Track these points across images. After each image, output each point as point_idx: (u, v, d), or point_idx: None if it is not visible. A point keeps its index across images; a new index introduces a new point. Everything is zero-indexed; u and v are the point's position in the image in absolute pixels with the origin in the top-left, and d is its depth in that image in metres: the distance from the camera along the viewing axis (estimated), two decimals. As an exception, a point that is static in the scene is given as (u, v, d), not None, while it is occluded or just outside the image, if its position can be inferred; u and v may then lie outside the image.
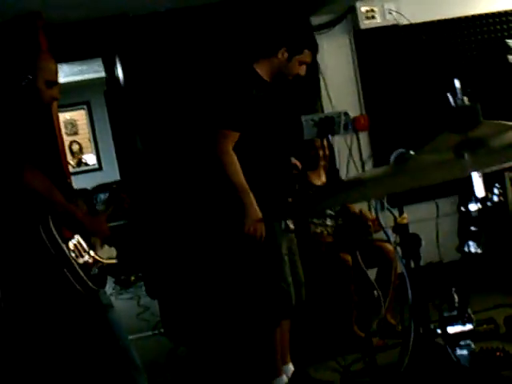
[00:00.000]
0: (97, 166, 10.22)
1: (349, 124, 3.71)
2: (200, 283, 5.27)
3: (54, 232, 3.12)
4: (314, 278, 4.35)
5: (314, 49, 3.93)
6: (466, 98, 2.39)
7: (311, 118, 3.53)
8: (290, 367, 4.09)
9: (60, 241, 3.13)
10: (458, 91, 2.43)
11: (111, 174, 9.24)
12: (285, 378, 3.99)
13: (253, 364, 4.13)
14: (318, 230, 4.78)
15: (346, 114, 3.69)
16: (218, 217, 3.96)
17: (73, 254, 3.17)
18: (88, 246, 3.32)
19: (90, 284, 3.20)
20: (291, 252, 3.94)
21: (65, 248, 3.14)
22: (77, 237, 3.26)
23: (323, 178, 4.93)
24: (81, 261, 3.21)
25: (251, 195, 3.63)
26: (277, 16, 5.23)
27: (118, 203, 3.59)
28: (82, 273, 3.17)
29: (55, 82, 3.38)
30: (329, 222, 4.82)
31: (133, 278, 7.91)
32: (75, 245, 3.22)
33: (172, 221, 5.42)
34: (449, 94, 2.41)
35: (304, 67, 3.88)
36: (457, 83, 2.42)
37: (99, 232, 3.39)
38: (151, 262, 5.83)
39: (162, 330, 5.76)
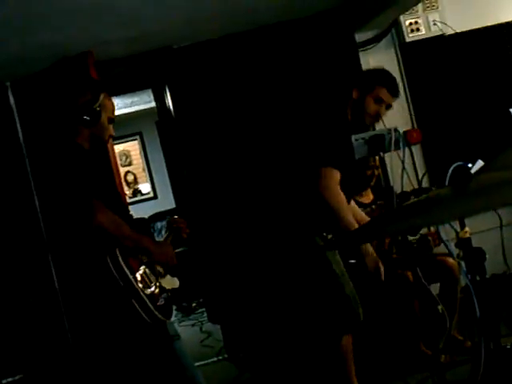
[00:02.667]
0: (152, 195, 10.32)
1: (399, 140, 3.64)
2: (262, 306, 5.27)
3: (122, 263, 3.16)
4: (376, 297, 4.31)
5: (390, 86, 3.84)
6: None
7: (361, 137, 3.48)
8: None
9: (128, 272, 3.17)
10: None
11: (166, 202, 9.33)
12: None
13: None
14: None
15: (396, 130, 3.63)
16: (275, 242, 3.97)
17: (140, 285, 3.20)
18: (154, 276, 3.36)
19: (158, 314, 3.23)
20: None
21: (132, 279, 3.18)
22: (143, 267, 3.30)
23: (371, 196, 4.93)
24: (148, 291, 3.24)
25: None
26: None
27: (176, 232, 3.63)
28: (149, 304, 3.20)
29: (113, 120, 3.48)
30: None
31: (194, 304, 7.94)
32: (142, 275, 3.26)
33: (231, 245, 5.44)
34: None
35: (381, 107, 3.82)
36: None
37: (168, 260, 3.43)
38: (212, 288, 5.84)
39: (226, 356, 5.76)
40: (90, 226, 3.12)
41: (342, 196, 3.69)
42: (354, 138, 3.41)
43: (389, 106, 3.86)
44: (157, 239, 3.65)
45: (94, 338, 3.51)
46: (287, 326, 5.00)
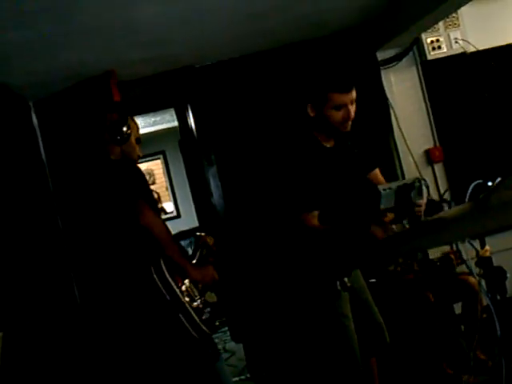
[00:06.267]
0: (175, 214, 10.33)
1: (426, 190, 3.48)
2: (283, 327, 5.24)
3: (167, 275, 3.17)
4: (399, 317, 4.28)
5: (342, 86, 3.40)
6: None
7: (389, 187, 3.34)
8: None
9: (174, 285, 3.17)
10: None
11: (189, 221, 9.33)
12: None
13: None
14: (391, 268, 4.69)
15: (423, 179, 3.45)
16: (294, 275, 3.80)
17: (187, 299, 3.21)
18: (196, 289, 3.36)
19: (205, 328, 3.22)
20: (360, 298, 3.74)
21: (179, 292, 3.18)
22: (187, 280, 3.30)
23: (390, 215, 4.88)
24: (194, 305, 3.24)
25: None
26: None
27: (204, 247, 3.64)
28: (196, 318, 3.19)
29: (140, 140, 3.54)
30: (400, 258, 4.72)
31: (217, 322, 7.92)
32: (187, 288, 3.27)
33: (254, 265, 5.43)
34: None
35: (345, 110, 3.41)
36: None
37: (205, 281, 3.41)
38: (235, 307, 5.84)
39: (249, 375, 5.74)
40: (138, 224, 3.14)
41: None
42: (381, 188, 3.27)
43: (352, 102, 3.43)
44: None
45: (137, 352, 3.49)
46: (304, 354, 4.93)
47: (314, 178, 3.43)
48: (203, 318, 3.27)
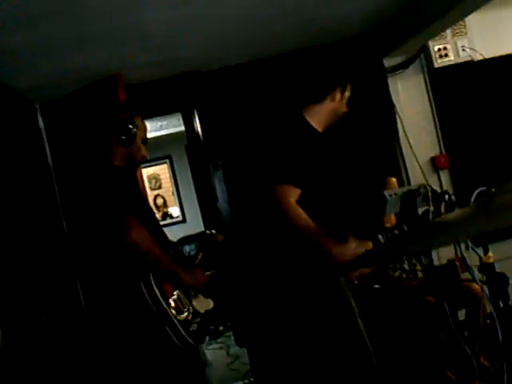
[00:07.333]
0: (181, 219, 10.34)
1: (430, 197, 3.45)
2: (287, 332, 5.22)
3: (155, 289, 3.17)
4: (400, 324, 4.28)
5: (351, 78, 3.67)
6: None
7: (394, 192, 3.31)
8: None
9: (161, 298, 3.17)
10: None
11: (195, 225, 9.34)
12: None
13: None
14: (397, 274, 4.69)
15: (429, 185, 3.43)
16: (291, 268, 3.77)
17: (174, 312, 3.21)
18: (187, 300, 3.36)
19: (190, 340, 3.23)
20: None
21: (165, 305, 3.18)
22: (177, 292, 3.30)
23: (393, 220, 4.87)
24: (181, 317, 3.24)
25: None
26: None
27: (208, 242, 3.64)
28: (182, 329, 3.20)
29: (147, 140, 3.53)
30: (406, 265, 4.72)
31: (221, 328, 7.92)
32: (175, 301, 3.27)
33: (258, 270, 5.42)
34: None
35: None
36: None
37: (195, 285, 3.42)
38: (239, 312, 5.83)
39: (252, 380, 5.73)
40: (123, 242, 3.14)
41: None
42: (387, 193, 3.26)
43: None
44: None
45: (124, 363, 3.50)
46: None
47: (298, 154, 3.41)
48: (191, 329, 3.28)
